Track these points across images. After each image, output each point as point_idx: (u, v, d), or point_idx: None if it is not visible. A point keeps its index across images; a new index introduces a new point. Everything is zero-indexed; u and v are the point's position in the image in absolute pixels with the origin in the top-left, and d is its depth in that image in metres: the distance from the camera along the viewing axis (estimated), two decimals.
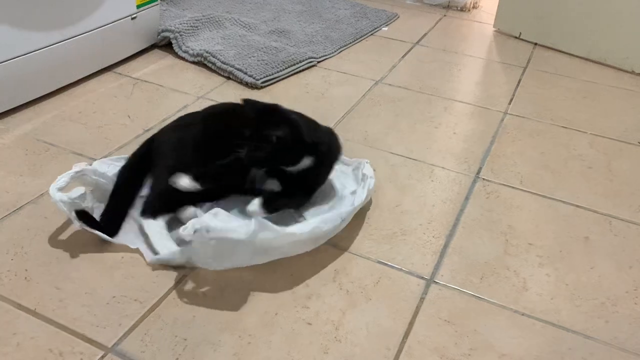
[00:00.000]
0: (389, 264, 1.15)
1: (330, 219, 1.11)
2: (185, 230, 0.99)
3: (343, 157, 1.38)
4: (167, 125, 1.33)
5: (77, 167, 1.16)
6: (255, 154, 1.09)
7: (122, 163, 1.28)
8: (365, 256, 1.16)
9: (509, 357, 0.97)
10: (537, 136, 1.62)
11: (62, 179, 1.12)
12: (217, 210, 1.04)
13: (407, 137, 1.58)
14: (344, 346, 0.97)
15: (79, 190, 1.15)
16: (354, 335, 0.99)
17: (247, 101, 1.15)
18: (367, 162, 1.32)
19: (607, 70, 2.03)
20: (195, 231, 0.98)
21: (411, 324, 1.02)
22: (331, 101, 1.73)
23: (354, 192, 1.24)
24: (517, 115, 1.72)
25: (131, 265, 1.09)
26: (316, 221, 1.09)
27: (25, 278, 1.05)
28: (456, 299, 1.08)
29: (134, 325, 0.97)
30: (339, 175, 1.33)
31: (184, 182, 1.09)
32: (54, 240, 1.14)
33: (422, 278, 1.12)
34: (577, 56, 2.11)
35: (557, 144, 1.58)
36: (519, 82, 1.92)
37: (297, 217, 1.21)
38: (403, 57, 2.06)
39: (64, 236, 1.13)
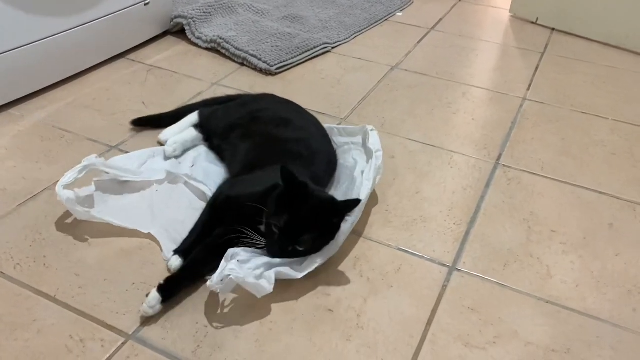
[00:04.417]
0: (410, 251, 1.13)
1: (343, 231, 1.07)
2: (213, 282, 0.93)
3: (347, 126, 1.36)
4: (276, 106, 1.36)
5: (86, 161, 1.15)
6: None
7: (150, 155, 1.30)
8: (386, 243, 1.14)
9: (535, 345, 0.95)
10: (557, 122, 1.59)
11: (70, 176, 1.11)
12: (236, 251, 1.00)
13: (425, 123, 1.55)
14: (366, 333, 0.95)
15: (88, 189, 1.15)
16: (376, 323, 0.97)
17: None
18: (371, 130, 1.29)
19: (626, 55, 1.99)
20: (222, 279, 0.94)
21: (434, 311, 1.00)
22: (347, 87, 1.70)
23: (364, 172, 1.21)
24: (536, 101, 1.68)
25: (148, 252, 1.08)
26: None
27: (44, 264, 1.04)
28: (479, 286, 1.06)
29: (149, 316, 0.96)
30: (350, 148, 1.31)
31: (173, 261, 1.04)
32: (71, 227, 1.13)
33: (444, 265, 1.10)
34: (595, 41, 2.07)
35: (577, 130, 1.55)
36: (537, 67, 1.89)
37: None
38: (418, 42, 2.03)
39: (81, 223, 1.12)
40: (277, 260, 1.01)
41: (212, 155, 1.34)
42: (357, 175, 1.22)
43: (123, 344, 0.91)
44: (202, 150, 1.35)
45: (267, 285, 0.96)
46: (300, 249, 1.00)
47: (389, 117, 1.56)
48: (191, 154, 1.34)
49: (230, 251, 1.01)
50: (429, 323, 0.98)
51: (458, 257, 1.12)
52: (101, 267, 1.05)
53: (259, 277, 0.98)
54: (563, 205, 1.27)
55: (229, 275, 0.93)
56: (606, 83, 1.81)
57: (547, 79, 1.82)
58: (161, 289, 0.96)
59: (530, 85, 1.77)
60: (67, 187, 1.10)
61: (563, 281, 1.08)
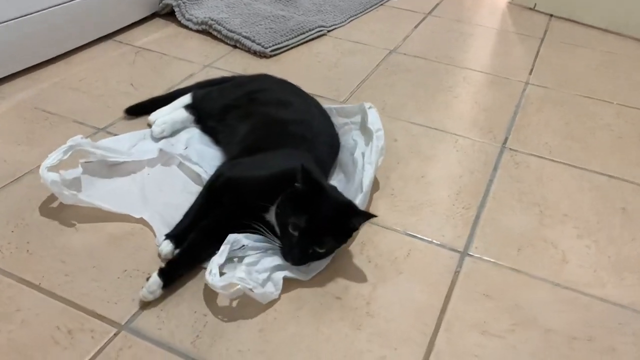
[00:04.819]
0: (419, 236, 1.07)
1: None
2: (215, 282, 0.85)
3: (345, 105, 1.30)
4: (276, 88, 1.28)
5: (71, 142, 1.07)
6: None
7: (140, 138, 1.23)
8: (392, 228, 1.08)
9: (555, 333, 0.90)
10: (562, 107, 1.54)
11: (54, 157, 1.03)
12: (238, 237, 0.94)
13: (427, 106, 1.49)
14: (377, 322, 0.89)
15: (74, 172, 1.08)
16: (387, 311, 0.91)
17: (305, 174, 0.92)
18: (369, 107, 1.22)
19: (627, 41, 1.95)
20: (227, 283, 0.86)
21: (447, 298, 0.95)
22: (344, 70, 1.64)
23: (364, 155, 1.15)
24: (539, 86, 1.64)
25: (140, 237, 1.01)
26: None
27: (28, 251, 0.97)
28: (493, 272, 1.00)
29: (148, 301, 0.89)
30: (350, 128, 1.24)
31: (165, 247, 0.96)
32: (56, 212, 1.05)
33: (455, 251, 1.04)
34: (595, 27, 2.03)
35: (583, 115, 1.51)
36: (537, 53, 1.84)
37: None
38: (416, 27, 1.97)
39: (67, 207, 1.04)
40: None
41: (205, 138, 1.26)
42: (357, 157, 1.15)
43: (115, 334, 0.84)
44: (195, 132, 1.28)
45: (273, 290, 0.91)
46: (321, 250, 0.93)
47: (389, 101, 1.50)
48: (184, 135, 1.26)
49: (231, 237, 0.94)
50: (443, 310, 0.92)
51: (469, 242, 1.06)
52: (90, 253, 0.97)
53: (266, 280, 0.92)
54: (573, 189, 1.23)
55: (238, 285, 0.86)
56: (608, 68, 1.77)
57: (549, 64, 1.77)
58: (162, 273, 0.89)
59: (532, 70, 1.72)
60: (51, 169, 1.02)
61: (580, 266, 1.03)
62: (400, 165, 1.25)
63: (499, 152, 1.32)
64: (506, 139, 1.37)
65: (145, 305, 0.88)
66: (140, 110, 1.34)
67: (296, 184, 0.92)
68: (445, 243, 1.06)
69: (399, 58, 1.74)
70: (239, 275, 0.87)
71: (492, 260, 1.03)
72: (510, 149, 1.34)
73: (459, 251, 1.04)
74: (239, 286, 0.86)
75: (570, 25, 2.06)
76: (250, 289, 0.86)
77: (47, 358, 0.80)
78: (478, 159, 1.30)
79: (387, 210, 1.13)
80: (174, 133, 1.26)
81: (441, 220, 1.11)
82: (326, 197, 0.94)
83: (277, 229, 0.95)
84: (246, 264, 0.91)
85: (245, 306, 0.90)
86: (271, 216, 0.97)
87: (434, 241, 1.06)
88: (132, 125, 1.31)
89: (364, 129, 1.21)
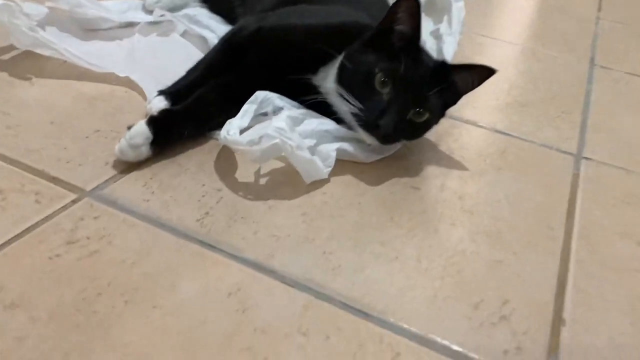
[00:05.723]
0: (512, 134, 0.78)
1: None
2: (234, 137, 0.57)
3: None
4: None
5: None
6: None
7: (129, 7, 0.92)
8: (476, 124, 0.79)
9: None
10: None
11: None
12: (270, 96, 0.65)
13: (489, 21, 1.22)
14: (478, 219, 0.59)
15: (37, 9, 0.77)
16: (492, 208, 0.61)
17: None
18: None
19: None
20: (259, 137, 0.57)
21: (572, 201, 0.65)
22: None
23: (436, 33, 0.87)
24: (612, 21, 1.37)
25: (124, 100, 0.70)
26: None
27: None
28: (625, 179, 0.71)
29: (131, 167, 0.58)
30: None
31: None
32: (8, 64, 0.73)
33: (567, 153, 0.75)
34: None
35: None
36: None
37: None
38: None
39: (24, 59, 0.73)
40: (338, 129, 0.64)
41: (217, 18, 0.96)
42: (424, 38, 0.87)
43: (74, 201, 0.52)
44: (202, 11, 0.97)
45: (321, 165, 0.59)
46: (421, 119, 0.62)
47: None
48: (187, 13, 0.95)
49: (260, 94, 0.64)
50: (570, 214, 0.62)
51: (581, 145, 0.77)
52: (47, 109, 0.66)
53: (312, 149, 0.61)
54: None
55: (275, 138, 0.55)
56: None
57: (615, 5, 1.51)
58: (153, 122, 0.57)
59: (599, 8, 1.46)
60: None
61: None
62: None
63: (589, 69, 1.04)
64: (593, 58, 1.10)
65: (125, 169, 0.57)
66: None
67: (396, 27, 0.62)
68: (550, 144, 0.76)
69: None
70: (277, 124, 0.56)
71: (620, 167, 0.73)
72: (602, 66, 1.06)
73: (571, 153, 0.75)
74: (276, 141, 0.55)
75: None
76: (292, 148, 0.55)
77: None
78: (566, 71, 1.02)
79: (464, 105, 0.82)
80: (173, 10, 0.96)
81: (539, 121, 0.82)
82: (421, 48, 0.64)
83: (340, 92, 0.64)
84: (287, 116, 0.60)
85: (278, 186, 0.59)
86: (322, 79, 0.66)
87: (535, 141, 0.76)
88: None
89: (430, 7, 0.92)
